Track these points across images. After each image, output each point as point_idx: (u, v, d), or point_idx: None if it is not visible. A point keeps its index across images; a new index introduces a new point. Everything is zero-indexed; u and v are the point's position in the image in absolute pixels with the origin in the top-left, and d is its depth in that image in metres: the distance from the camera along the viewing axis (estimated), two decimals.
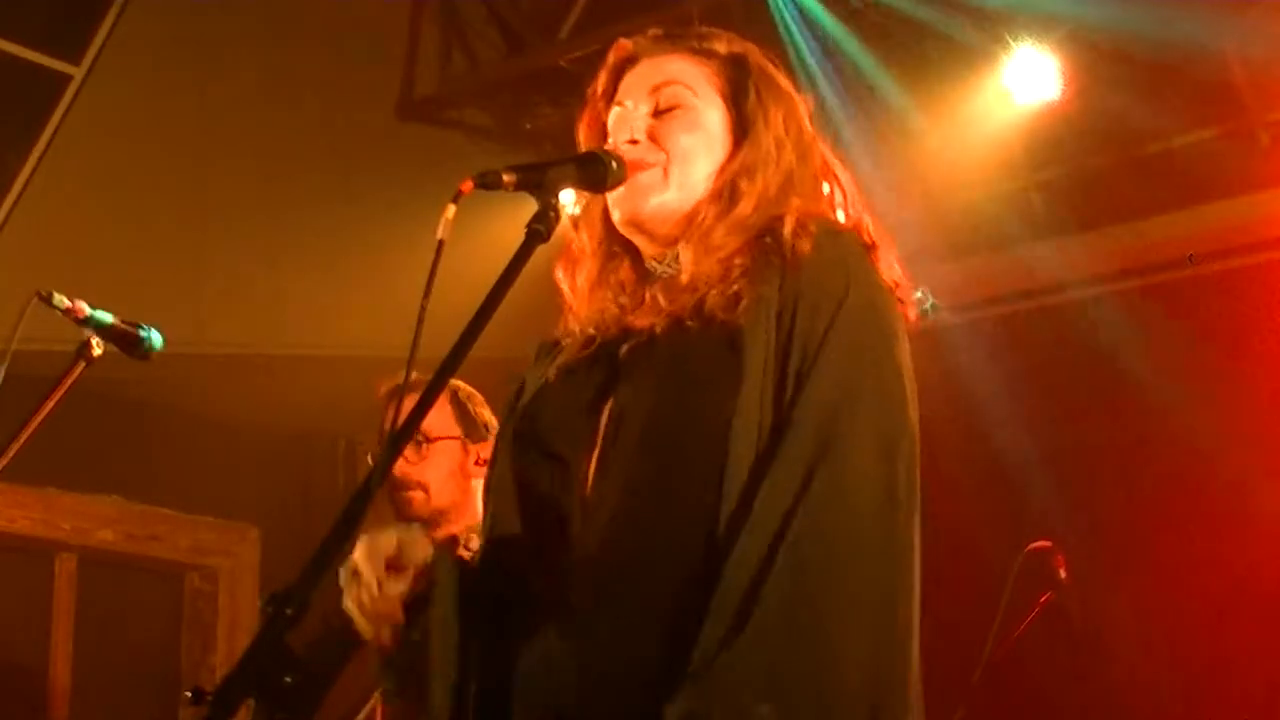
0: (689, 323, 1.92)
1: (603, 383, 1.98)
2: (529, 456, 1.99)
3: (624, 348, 1.98)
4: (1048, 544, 4.26)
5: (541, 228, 1.86)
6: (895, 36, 5.32)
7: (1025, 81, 5.23)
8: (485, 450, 3.43)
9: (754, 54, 2.13)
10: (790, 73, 2.17)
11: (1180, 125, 5.42)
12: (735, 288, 1.91)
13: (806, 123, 2.11)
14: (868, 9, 5.27)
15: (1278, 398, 5.16)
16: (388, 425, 3.42)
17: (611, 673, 1.84)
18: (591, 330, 2.05)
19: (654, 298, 2.02)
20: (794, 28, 5.29)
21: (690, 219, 2.02)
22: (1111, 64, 5.16)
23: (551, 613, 1.88)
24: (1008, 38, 5.20)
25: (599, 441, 1.93)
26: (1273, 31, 4.97)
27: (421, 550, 1.89)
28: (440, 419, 3.37)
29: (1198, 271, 5.45)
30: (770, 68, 2.12)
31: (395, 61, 6.10)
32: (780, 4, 5.28)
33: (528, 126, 6.10)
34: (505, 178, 1.87)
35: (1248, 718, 4.92)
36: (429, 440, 3.35)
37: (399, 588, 1.86)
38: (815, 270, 1.91)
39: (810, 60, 5.27)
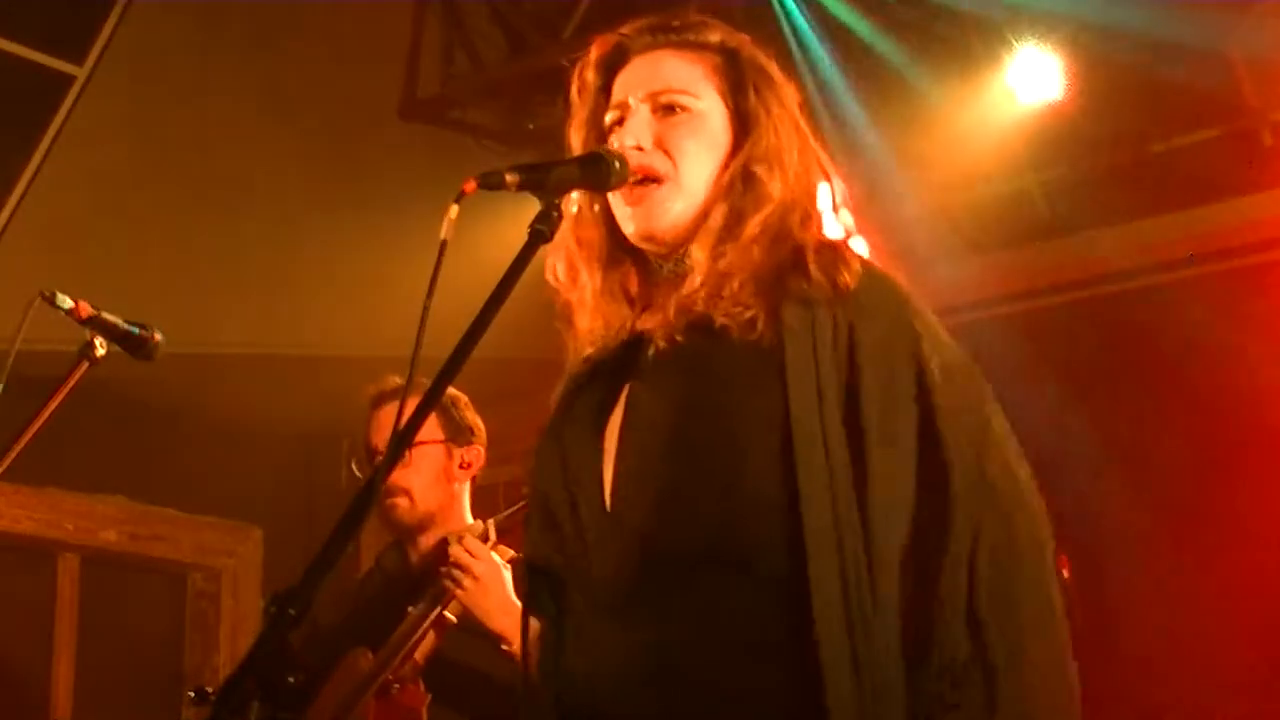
0: (702, 340, 1.94)
1: (609, 394, 2.00)
2: (553, 471, 2.03)
3: (643, 355, 1.99)
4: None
5: (545, 228, 1.86)
6: (898, 36, 5.32)
7: (1029, 81, 5.22)
8: (470, 454, 3.41)
9: (746, 46, 2.13)
10: (787, 66, 2.17)
11: (1183, 125, 5.42)
12: (750, 313, 1.92)
13: (799, 113, 2.12)
14: (871, 9, 5.27)
15: (1278, 397, 5.16)
16: (374, 432, 3.42)
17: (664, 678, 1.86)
18: (603, 333, 2.07)
19: (662, 301, 2.04)
20: (796, 30, 5.28)
21: (701, 218, 2.03)
22: (1115, 64, 5.15)
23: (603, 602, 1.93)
24: (1011, 37, 5.19)
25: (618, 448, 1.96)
26: (1275, 31, 4.97)
27: None
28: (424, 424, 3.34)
29: (1199, 271, 5.45)
30: (763, 59, 2.12)
31: (398, 61, 6.09)
32: (783, 5, 5.28)
33: (531, 127, 6.09)
34: (508, 178, 1.87)
35: (1251, 714, 4.93)
36: (411, 445, 3.32)
37: None
38: (872, 308, 1.92)
39: (813, 60, 5.27)
